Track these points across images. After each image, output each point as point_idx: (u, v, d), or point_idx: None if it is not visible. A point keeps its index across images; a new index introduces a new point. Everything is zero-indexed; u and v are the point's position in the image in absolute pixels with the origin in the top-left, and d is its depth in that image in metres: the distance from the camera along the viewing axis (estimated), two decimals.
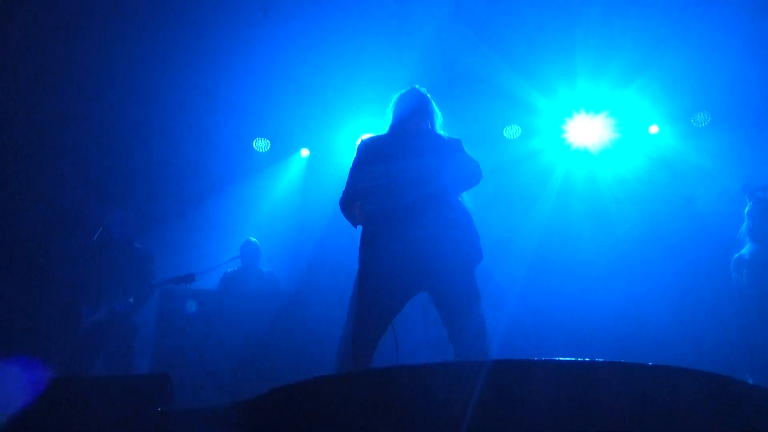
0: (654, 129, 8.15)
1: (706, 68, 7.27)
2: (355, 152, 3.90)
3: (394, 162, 3.63)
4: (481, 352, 3.34)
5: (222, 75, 7.69)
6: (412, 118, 3.89)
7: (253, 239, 7.03)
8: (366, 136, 4.21)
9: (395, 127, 3.93)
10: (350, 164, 8.26)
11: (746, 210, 4.71)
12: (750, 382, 4.21)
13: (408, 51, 7.52)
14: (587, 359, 1.73)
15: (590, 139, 8.29)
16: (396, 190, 3.56)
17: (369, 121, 8.21)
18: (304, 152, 8.90)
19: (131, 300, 5.62)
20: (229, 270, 6.82)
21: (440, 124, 4.03)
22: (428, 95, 4.04)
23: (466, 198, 3.86)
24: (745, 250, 4.57)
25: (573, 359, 1.71)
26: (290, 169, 8.93)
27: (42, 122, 7.40)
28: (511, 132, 8.47)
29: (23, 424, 1.84)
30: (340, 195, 3.80)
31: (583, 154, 8.36)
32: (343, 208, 3.76)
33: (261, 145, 8.72)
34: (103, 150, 7.79)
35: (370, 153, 3.81)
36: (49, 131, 7.47)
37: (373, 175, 3.64)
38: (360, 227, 3.71)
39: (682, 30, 6.94)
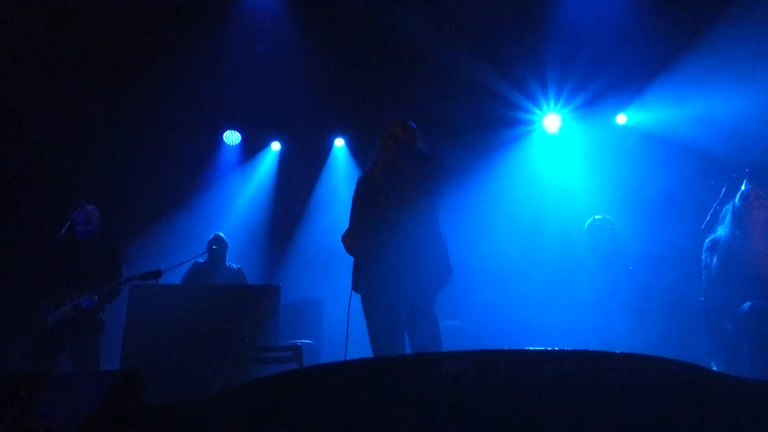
0: (621, 119, 8.28)
1: (673, 60, 7.40)
2: (345, 172, 4.35)
3: (377, 195, 4.02)
4: (434, 347, 3.77)
5: (191, 67, 7.62)
6: (392, 152, 4.07)
7: (220, 234, 6.98)
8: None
9: (375, 160, 4.21)
10: (322, 158, 8.29)
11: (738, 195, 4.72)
12: (714, 368, 4.30)
13: (385, 46, 7.55)
14: (555, 348, 1.75)
15: (557, 128, 8.44)
16: (378, 220, 3.94)
17: (341, 115, 8.23)
18: (275, 146, 8.85)
19: (96, 297, 5.53)
20: (197, 261, 6.77)
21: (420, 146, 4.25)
22: (410, 122, 4.19)
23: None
24: (722, 233, 4.61)
25: (541, 348, 1.74)
26: (261, 163, 8.87)
27: (6, 117, 7.26)
28: (484, 124, 8.51)
29: None
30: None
31: (556, 144, 8.49)
32: (343, 241, 4.14)
33: (231, 138, 8.66)
34: (68, 144, 7.67)
35: (360, 188, 4.22)
36: (12, 127, 7.33)
37: (361, 208, 4.11)
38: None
39: (647, 25, 7.05)
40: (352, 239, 4.02)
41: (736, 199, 4.61)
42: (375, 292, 3.91)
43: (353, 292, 4.05)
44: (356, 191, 4.24)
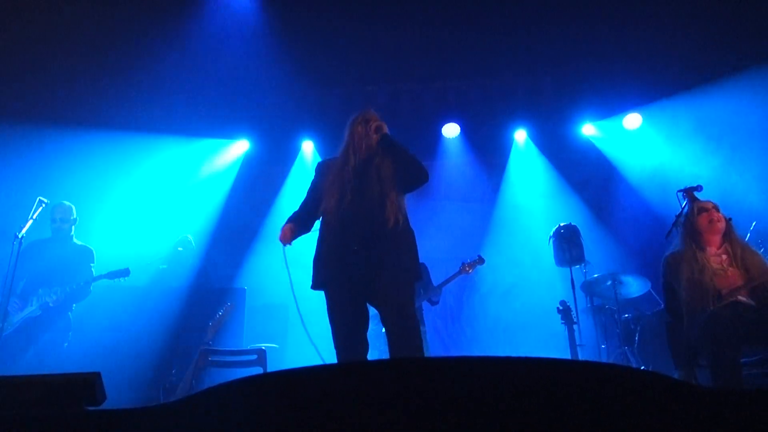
0: (590, 130, 8.40)
1: (638, 72, 7.53)
2: (313, 173, 4.15)
3: (343, 184, 3.84)
4: (414, 352, 3.60)
5: (158, 62, 7.51)
6: (362, 140, 3.95)
7: (188, 236, 6.90)
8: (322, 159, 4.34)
9: (346, 150, 4.01)
10: (290, 160, 8.19)
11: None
12: (675, 377, 4.36)
13: (353, 49, 7.55)
14: (519, 356, 1.75)
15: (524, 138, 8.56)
16: (342, 211, 3.79)
17: (310, 118, 8.22)
18: (243, 146, 8.75)
19: (64, 296, 5.45)
20: (161, 267, 6.68)
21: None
22: (377, 115, 4.08)
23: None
24: (679, 248, 4.63)
25: (505, 356, 1.74)
26: (227, 164, 8.77)
27: None
28: (449, 130, 8.54)
29: None
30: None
31: (527, 152, 8.60)
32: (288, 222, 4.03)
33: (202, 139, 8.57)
34: (37, 143, 7.51)
35: (323, 175, 4.03)
36: None
37: (324, 196, 3.89)
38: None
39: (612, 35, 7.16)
40: (287, 226, 3.90)
41: (694, 213, 4.62)
42: (341, 291, 3.75)
43: (312, 290, 3.89)
44: (320, 178, 4.05)
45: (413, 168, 3.86)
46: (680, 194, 4.94)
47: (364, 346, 3.80)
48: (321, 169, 4.12)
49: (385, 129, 3.95)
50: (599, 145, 8.39)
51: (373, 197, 3.80)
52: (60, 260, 5.63)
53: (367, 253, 3.71)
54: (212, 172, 8.69)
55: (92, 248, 5.89)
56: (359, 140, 3.95)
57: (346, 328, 3.77)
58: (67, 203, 5.80)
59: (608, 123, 8.28)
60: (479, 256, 6.57)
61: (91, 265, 5.80)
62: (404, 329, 3.65)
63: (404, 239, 3.85)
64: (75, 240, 5.85)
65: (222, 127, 8.51)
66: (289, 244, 3.92)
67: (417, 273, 3.88)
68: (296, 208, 4.15)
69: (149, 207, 8.03)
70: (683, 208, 4.80)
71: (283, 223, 4.02)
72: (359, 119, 4.02)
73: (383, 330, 3.79)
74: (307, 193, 4.12)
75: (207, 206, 8.49)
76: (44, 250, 5.62)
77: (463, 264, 6.46)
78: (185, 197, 8.36)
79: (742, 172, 6.96)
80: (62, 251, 5.69)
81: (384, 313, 3.75)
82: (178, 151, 8.33)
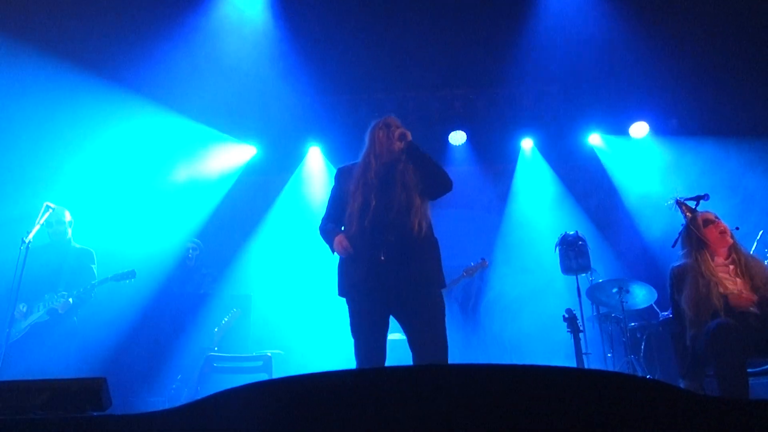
0: (595, 139, 8.40)
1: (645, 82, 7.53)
2: (333, 181, 4.11)
3: (367, 190, 3.82)
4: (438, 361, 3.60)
5: (165, 66, 7.52)
6: (383, 146, 3.95)
7: (197, 240, 6.91)
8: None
9: (367, 155, 4.00)
10: (298, 165, 8.18)
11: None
12: (681, 386, 4.34)
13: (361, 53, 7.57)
14: (525, 364, 1.75)
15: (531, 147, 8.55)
16: (367, 218, 3.75)
17: (317, 120, 8.22)
18: (251, 151, 8.76)
19: (70, 300, 5.46)
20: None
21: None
22: (399, 121, 4.06)
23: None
24: (685, 260, 4.61)
25: (513, 364, 1.73)
26: (235, 169, 8.76)
27: None
28: (456, 138, 8.55)
29: None
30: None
31: (534, 161, 8.59)
32: (322, 234, 3.99)
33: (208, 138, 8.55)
34: (36, 146, 7.53)
35: (345, 181, 3.99)
36: None
37: (348, 202, 3.85)
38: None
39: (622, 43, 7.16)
40: (342, 237, 3.80)
41: (699, 224, 4.59)
42: (365, 299, 3.72)
43: (340, 296, 3.86)
44: (342, 185, 4.00)
45: (439, 176, 3.85)
46: (673, 204, 4.92)
47: (383, 355, 3.75)
48: (341, 176, 4.07)
49: (410, 137, 3.90)
50: (605, 154, 8.38)
51: (400, 204, 3.78)
52: (61, 265, 5.62)
53: (394, 262, 3.69)
54: (218, 174, 8.65)
55: (92, 249, 5.88)
56: (380, 146, 3.94)
57: (368, 336, 3.73)
58: (57, 207, 5.75)
59: (615, 132, 8.27)
60: (483, 259, 6.55)
61: (92, 266, 5.78)
62: (432, 345, 3.64)
63: (429, 248, 3.84)
64: (74, 243, 5.84)
65: (230, 131, 8.52)
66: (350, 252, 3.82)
67: (442, 283, 3.85)
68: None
69: (149, 204, 7.97)
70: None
71: (318, 235, 4.00)
72: (380, 124, 4.01)
73: (390, 337, 3.78)
74: (330, 201, 4.09)
75: (213, 212, 8.48)
76: (43, 255, 5.60)
77: (466, 268, 6.44)
78: (187, 197, 8.32)
79: (750, 181, 6.94)
80: (62, 255, 5.68)
81: (410, 326, 3.73)
82: (186, 135, 8.24)
